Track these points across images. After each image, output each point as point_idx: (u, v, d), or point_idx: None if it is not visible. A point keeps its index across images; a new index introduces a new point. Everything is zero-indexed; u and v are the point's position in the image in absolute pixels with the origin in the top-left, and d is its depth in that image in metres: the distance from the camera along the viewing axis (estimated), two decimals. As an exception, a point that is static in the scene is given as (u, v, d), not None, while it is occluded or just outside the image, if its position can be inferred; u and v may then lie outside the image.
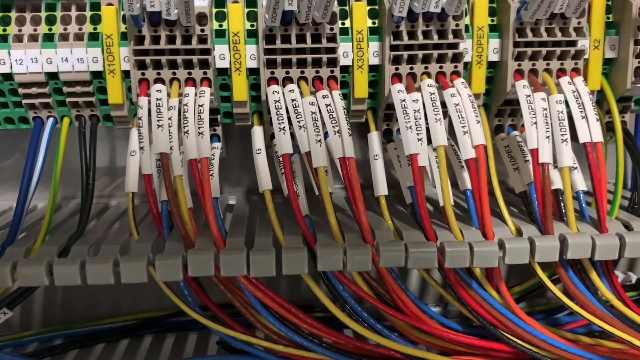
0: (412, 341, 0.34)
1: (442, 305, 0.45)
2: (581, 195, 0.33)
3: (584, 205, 0.33)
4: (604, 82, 0.34)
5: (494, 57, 0.33)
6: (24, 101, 0.33)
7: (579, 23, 0.32)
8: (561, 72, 0.33)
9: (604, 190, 0.31)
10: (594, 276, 0.32)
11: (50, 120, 0.34)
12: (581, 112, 0.31)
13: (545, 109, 0.31)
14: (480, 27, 0.32)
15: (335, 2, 0.31)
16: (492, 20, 0.33)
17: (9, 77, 0.32)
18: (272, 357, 0.34)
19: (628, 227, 0.32)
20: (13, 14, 0.32)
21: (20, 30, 0.32)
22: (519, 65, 0.33)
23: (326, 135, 0.31)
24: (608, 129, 0.36)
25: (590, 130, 0.31)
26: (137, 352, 0.41)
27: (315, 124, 0.31)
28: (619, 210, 0.34)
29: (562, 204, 0.32)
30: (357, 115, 0.34)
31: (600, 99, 0.35)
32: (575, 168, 0.33)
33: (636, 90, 0.34)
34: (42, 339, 0.42)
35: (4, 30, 0.32)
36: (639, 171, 0.35)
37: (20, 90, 0.32)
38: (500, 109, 0.36)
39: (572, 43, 0.32)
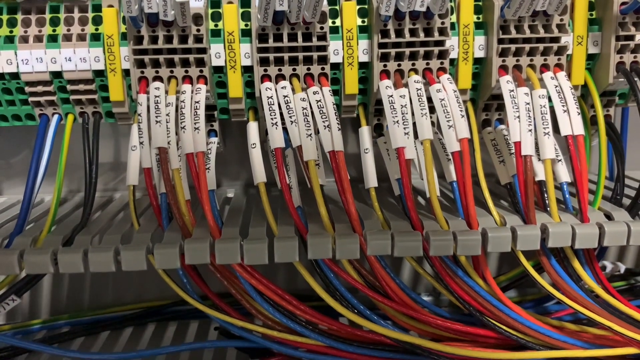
0: (404, 328, 0.35)
1: (435, 294, 0.46)
2: (565, 186, 0.34)
3: (567, 196, 0.34)
4: (587, 77, 0.35)
5: (480, 54, 0.34)
6: (30, 99, 0.34)
7: (561, 20, 0.33)
8: (544, 67, 0.34)
9: (585, 181, 0.32)
10: (576, 264, 0.33)
11: (55, 117, 0.35)
12: (563, 106, 0.32)
13: (528, 104, 0.32)
14: (466, 24, 0.33)
15: (325, 2, 0.32)
16: (478, 18, 0.34)
17: (15, 76, 0.34)
18: (268, 343, 0.35)
19: (609, 217, 0.33)
20: (19, 16, 0.33)
21: (26, 32, 0.33)
22: (503, 61, 0.34)
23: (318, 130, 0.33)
24: (593, 122, 0.37)
25: (572, 124, 0.32)
26: (141, 339, 0.42)
27: (306, 119, 0.32)
28: (602, 201, 0.35)
29: (545, 195, 0.33)
30: (348, 110, 0.36)
31: (585, 94, 0.36)
32: (560, 160, 0.34)
33: (618, 85, 0.35)
34: (49, 327, 0.44)
35: (11, 31, 0.33)
36: (621, 163, 0.36)
37: (27, 89, 0.34)
38: (488, 104, 0.37)
39: (555, 39, 0.33)
